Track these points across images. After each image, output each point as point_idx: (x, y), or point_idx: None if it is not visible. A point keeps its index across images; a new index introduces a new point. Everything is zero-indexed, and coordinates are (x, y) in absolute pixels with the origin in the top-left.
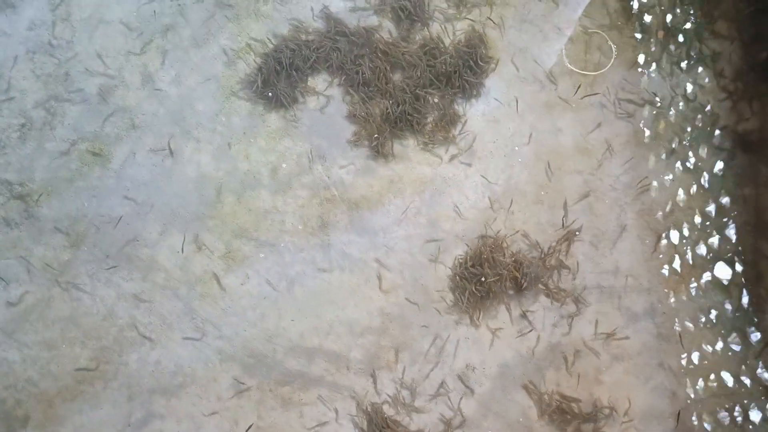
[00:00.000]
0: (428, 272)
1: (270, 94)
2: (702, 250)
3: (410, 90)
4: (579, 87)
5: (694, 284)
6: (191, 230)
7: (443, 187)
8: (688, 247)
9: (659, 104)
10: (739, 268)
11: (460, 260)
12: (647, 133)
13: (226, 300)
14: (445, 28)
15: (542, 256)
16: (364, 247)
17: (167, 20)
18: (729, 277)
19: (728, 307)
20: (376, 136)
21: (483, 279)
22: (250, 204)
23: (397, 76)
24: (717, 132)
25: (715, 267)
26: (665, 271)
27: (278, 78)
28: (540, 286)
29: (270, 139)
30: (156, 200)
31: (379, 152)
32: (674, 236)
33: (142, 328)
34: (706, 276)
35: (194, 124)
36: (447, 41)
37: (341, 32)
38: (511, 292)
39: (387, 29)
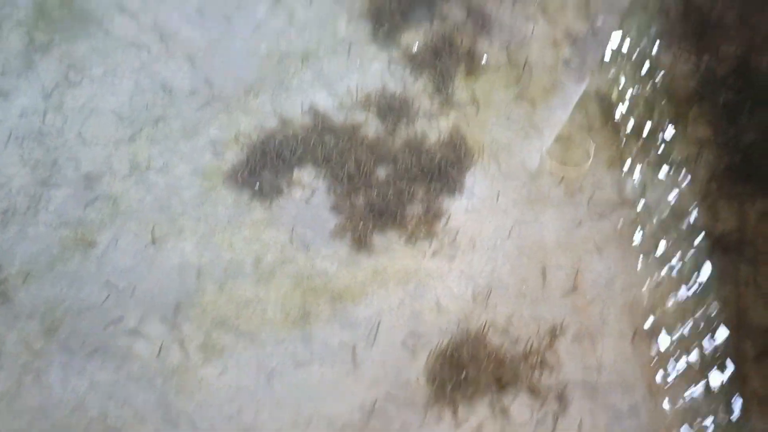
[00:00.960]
0: (410, 365)
1: (256, 184)
2: (687, 349)
3: (394, 184)
4: (562, 180)
5: (676, 379)
6: (171, 319)
7: (427, 280)
8: (672, 346)
9: (639, 205)
10: (724, 371)
11: (443, 354)
12: (627, 232)
13: (203, 392)
14: (430, 124)
15: (525, 351)
16: (346, 338)
17: (159, 111)
18: (715, 380)
19: (716, 410)
20: (358, 227)
21: (465, 374)
22: (231, 293)
23: (381, 171)
24: (695, 232)
25: (700, 368)
26: (649, 368)
27: (264, 169)
28: (522, 382)
29: (254, 228)
30: (136, 287)
31: (363, 244)
32: (656, 333)
33: (113, 420)
34: (689, 374)
35: (179, 212)
36: (432, 137)
37: (328, 127)
38: (493, 387)
39: (373, 125)
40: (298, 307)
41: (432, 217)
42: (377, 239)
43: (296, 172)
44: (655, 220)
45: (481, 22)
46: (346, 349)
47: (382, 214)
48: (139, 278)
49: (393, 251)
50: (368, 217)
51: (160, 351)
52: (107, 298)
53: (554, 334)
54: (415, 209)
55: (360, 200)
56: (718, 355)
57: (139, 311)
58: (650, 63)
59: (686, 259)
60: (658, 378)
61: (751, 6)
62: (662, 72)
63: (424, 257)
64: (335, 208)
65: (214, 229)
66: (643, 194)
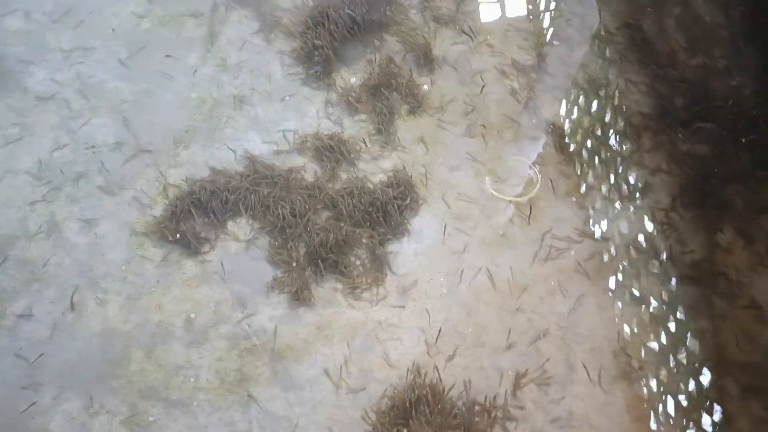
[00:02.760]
0: (360, 429)
1: (178, 236)
2: (666, 393)
3: (336, 231)
4: (513, 215)
5: (658, 429)
6: (91, 392)
7: (375, 333)
8: (649, 390)
9: (599, 238)
10: (710, 415)
11: (394, 414)
12: (589, 268)
13: None
14: (372, 166)
15: (486, 404)
16: (289, 402)
17: (80, 168)
18: (703, 423)
19: None
20: (298, 279)
21: None
22: (160, 359)
23: (321, 217)
24: (662, 265)
25: (683, 414)
26: (624, 415)
27: (195, 223)
28: None
29: (185, 287)
30: (53, 360)
31: (304, 298)
32: (631, 377)
33: None
34: (672, 419)
35: (102, 275)
36: (374, 180)
37: (263, 175)
38: None
39: (311, 170)
40: (234, 371)
41: (378, 263)
42: (319, 291)
43: (230, 224)
44: (618, 254)
45: (422, 59)
46: (289, 414)
47: (323, 264)
48: (56, 350)
49: (337, 304)
50: (308, 268)
51: (79, 430)
52: (19, 373)
53: (517, 384)
54: (359, 256)
55: (299, 250)
56: (701, 398)
57: (55, 386)
58: (603, 91)
59: (656, 295)
60: (636, 429)
61: (700, 32)
62: (616, 100)
63: (371, 308)
64: (272, 261)
65: (140, 290)
66: (603, 226)
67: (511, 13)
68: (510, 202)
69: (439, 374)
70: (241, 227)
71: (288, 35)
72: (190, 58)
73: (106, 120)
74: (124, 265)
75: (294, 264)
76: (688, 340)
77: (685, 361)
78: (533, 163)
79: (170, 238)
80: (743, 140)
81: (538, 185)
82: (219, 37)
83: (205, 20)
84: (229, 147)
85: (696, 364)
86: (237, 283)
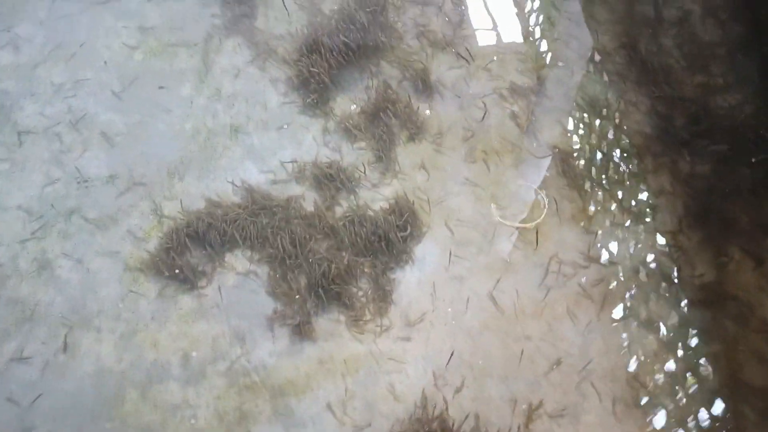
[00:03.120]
0: None
1: (177, 271)
2: (683, 421)
3: (337, 261)
4: (517, 238)
5: None
6: None
7: (380, 365)
8: (666, 419)
9: (607, 262)
10: None
11: None
12: (597, 293)
13: None
14: (373, 194)
15: None
16: None
17: (72, 203)
18: None
19: None
20: (299, 311)
21: None
22: (156, 399)
23: (322, 247)
24: (673, 288)
25: None
26: None
27: (191, 256)
28: None
29: (182, 322)
30: (45, 402)
31: (305, 331)
32: (645, 405)
33: None
34: None
35: (95, 312)
36: (375, 208)
37: (260, 205)
38: None
39: (310, 199)
40: (233, 409)
41: (381, 293)
42: (321, 324)
43: (228, 257)
44: (626, 278)
45: (420, 84)
46: None
47: (324, 296)
48: (47, 392)
49: (339, 336)
50: (309, 300)
51: None
52: (10, 417)
53: (529, 415)
54: (361, 287)
55: (300, 281)
56: (717, 424)
57: (48, 431)
58: (604, 113)
59: (667, 319)
60: None
61: (698, 50)
62: (617, 121)
63: (375, 339)
64: (272, 293)
65: (135, 327)
66: (610, 251)
67: (507, 37)
68: (517, 228)
69: (446, 406)
70: (239, 259)
71: (283, 63)
72: (183, 89)
73: (99, 153)
74: (118, 302)
75: (295, 296)
76: (701, 365)
77: (700, 387)
78: (538, 188)
79: (166, 273)
80: (753, 160)
81: (545, 210)
82: (213, 66)
83: (199, 50)
84: (225, 178)
85: (711, 390)
86: (235, 318)
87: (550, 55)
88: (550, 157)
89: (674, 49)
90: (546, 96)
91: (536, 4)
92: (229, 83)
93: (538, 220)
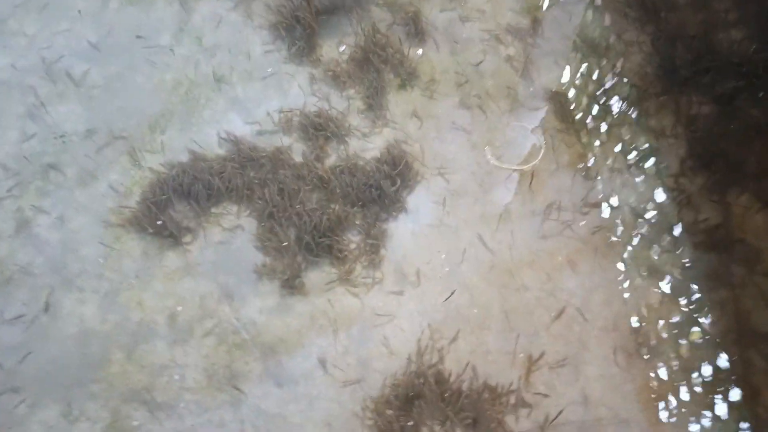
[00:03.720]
0: (361, 425)
1: (159, 223)
2: (687, 371)
3: (327, 212)
4: (517, 186)
5: (677, 410)
6: (70, 398)
7: (373, 320)
8: (669, 370)
9: (607, 209)
10: (733, 390)
11: (396, 406)
12: (598, 241)
13: None
14: (364, 143)
15: (495, 391)
16: (283, 399)
17: (50, 159)
18: (722, 407)
19: None
20: (289, 266)
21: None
22: (143, 360)
23: (312, 198)
24: (675, 233)
25: (705, 392)
26: (644, 399)
27: (175, 210)
28: (496, 427)
29: (167, 280)
30: (27, 366)
31: (296, 286)
32: (648, 356)
33: None
34: (690, 397)
35: (77, 272)
36: (367, 157)
37: (247, 157)
38: None
39: (298, 150)
40: (223, 368)
41: (373, 245)
42: (312, 278)
43: (214, 211)
44: (628, 225)
45: (411, 27)
46: (284, 412)
47: (315, 248)
48: (30, 354)
49: (331, 291)
50: (299, 254)
51: None
52: None
53: (528, 367)
54: (353, 239)
55: (289, 235)
56: (723, 376)
57: (32, 394)
58: (604, 54)
59: (671, 266)
60: (656, 410)
61: None
62: (617, 62)
63: (368, 294)
64: (261, 248)
65: (119, 287)
66: (611, 197)
67: None
68: (513, 171)
69: (442, 359)
70: (225, 214)
71: (266, 9)
72: (162, 38)
73: (76, 107)
74: (100, 260)
75: (284, 249)
76: (707, 312)
77: (705, 335)
78: (535, 130)
79: (149, 230)
80: (760, 95)
81: (542, 150)
82: (193, 14)
83: None
84: (209, 130)
85: (717, 338)
86: (223, 274)
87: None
88: (547, 102)
89: None
90: (543, 38)
91: None
92: (210, 32)
93: (535, 162)
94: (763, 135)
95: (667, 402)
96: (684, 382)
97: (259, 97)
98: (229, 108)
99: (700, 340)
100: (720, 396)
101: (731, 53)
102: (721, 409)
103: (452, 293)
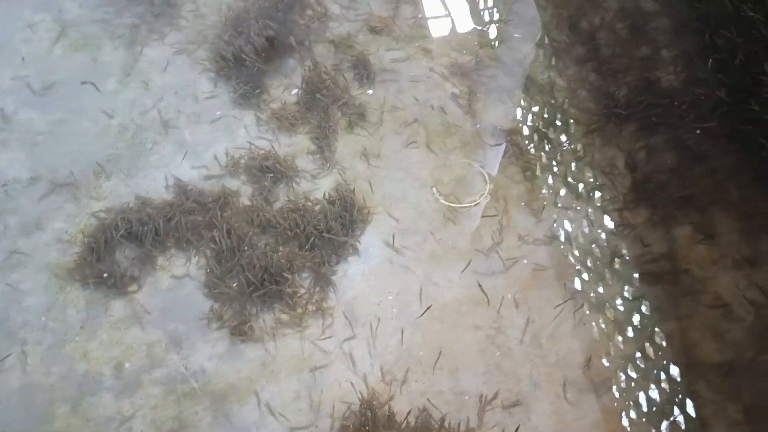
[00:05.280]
0: None
1: (106, 275)
2: (636, 401)
3: (276, 256)
4: (462, 220)
5: None
6: None
7: (324, 364)
8: (615, 402)
9: (556, 244)
10: (681, 419)
11: None
12: (547, 276)
13: None
14: (313, 185)
15: None
16: None
17: None
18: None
19: None
20: (239, 312)
21: None
22: (88, 413)
23: (260, 242)
24: (623, 265)
25: (650, 418)
26: (595, 429)
27: (121, 258)
28: None
29: (114, 330)
30: None
31: (245, 332)
32: (599, 389)
33: None
34: (644, 426)
35: (20, 324)
36: (315, 198)
37: (194, 201)
38: None
39: (246, 193)
40: (172, 419)
41: (324, 288)
42: (262, 323)
43: (161, 258)
44: (575, 258)
45: (359, 67)
46: None
47: (265, 293)
48: None
49: (281, 335)
50: (249, 298)
51: None
52: None
53: (481, 407)
54: (303, 281)
55: (239, 279)
56: (673, 404)
57: None
58: (548, 91)
59: (618, 298)
60: None
61: (642, 22)
62: (560, 98)
63: (319, 337)
64: (209, 294)
65: (63, 338)
66: (558, 231)
67: (448, 16)
68: (460, 208)
69: (394, 401)
70: (173, 260)
71: (213, 52)
72: (109, 83)
73: (19, 154)
74: (44, 312)
75: (233, 294)
76: (655, 343)
77: (654, 367)
78: (481, 167)
79: (95, 278)
80: (697, 131)
81: (488, 187)
82: (140, 59)
83: (124, 42)
84: (156, 175)
85: (665, 369)
86: (171, 322)
87: (493, 34)
88: (493, 138)
89: (617, 24)
90: (487, 75)
91: None
92: (157, 75)
93: (481, 199)
94: (702, 166)
95: None
96: (634, 415)
97: (207, 140)
98: (177, 152)
99: (648, 372)
100: (669, 428)
101: (669, 88)
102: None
103: (402, 334)
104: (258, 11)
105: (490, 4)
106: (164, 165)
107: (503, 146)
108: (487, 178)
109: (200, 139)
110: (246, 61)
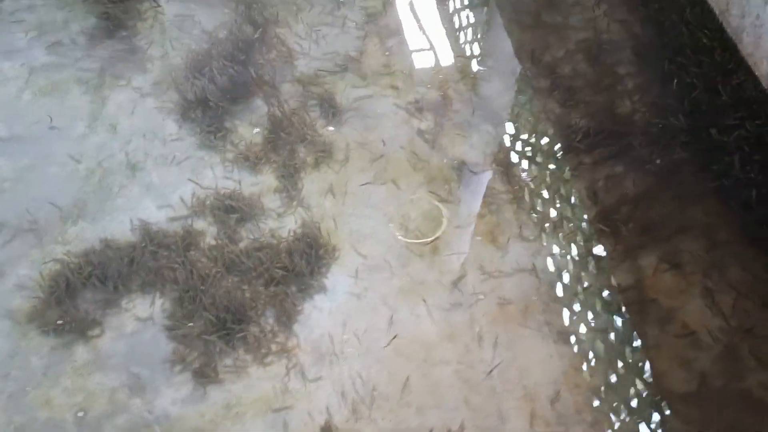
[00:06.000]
0: None
1: (68, 320)
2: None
3: (240, 296)
4: (430, 255)
5: None
6: None
7: (290, 403)
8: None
9: (521, 276)
10: None
11: None
12: (514, 309)
13: None
14: (278, 223)
15: None
16: None
17: None
18: None
19: None
20: (204, 354)
21: None
22: None
23: (225, 283)
24: (591, 298)
25: None
26: None
27: (84, 302)
28: None
29: (77, 376)
30: None
31: (209, 374)
32: (566, 421)
33: None
34: None
35: None
36: (281, 237)
37: (159, 243)
38: None
39: (211, 233)
40: None
41: (289, 327)
42: (226, 365)
43: (125, 301)
44: (542, 291)
45: (325, 105)
46: None
47: (228, 334)
48: None
49: (246, 377)
50: (213, 339)
51: None
52: None
53: None
54: (268, 322)
55: (201, 321)
56: None
57: None
58: (516, 123)
59: (587, 331)
60: None
61: (605, 52)
62: (528, 131)
63: (285, 377)
64: (173, 336)
65: (25, 386)
66: (523, 265)
67: (413, 53)
68: (419, 244)
69: None
70: (136, 303)
71: (179, 95)
72: (77, 128)
73: None
74: (6, 360)
75: (197, 336)
76: (621, 375)
77: (621, 398)
78: (442, 203)
79: (57, 323)
80: (658, 161)
81: (445, 221)
82: (107, 102)
83: (92, 86)
84: (122, 218)
85: (635, 400)
86: (135, 366)
87: (460, 68)
88: (458, 172)
89: (580, 55)
90: (454, 110)
91: (448, 18)
92: (125, 119)
93: (437, 234)
94: (666, 194)
95: None
96: None
97: (174, 182)
98: (144, 194)
99: (615, 405)
100: None
101: (630, 118)
102: None
103: (369, 371)
104: (220, 52)
105: (457, 40)
106: (131, 208)
107: (470, 180)
108: (445, 213)
109: (167, 180)
110: (210, 102)
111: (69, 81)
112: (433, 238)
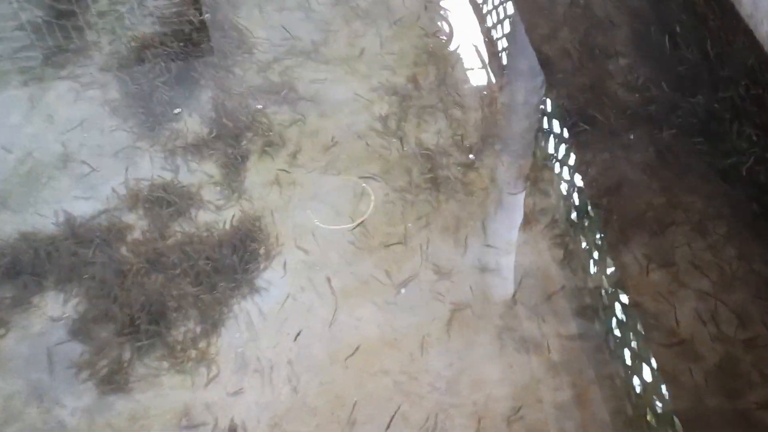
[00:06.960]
0: None
1: None
2: None
3: (163, 296)
4: (377, 253)
5: None
6: None
7: (205, 416)
8: None
9: (480, 274)
10: None
11: None
12: (469, 314)
13: None
14: (216, 217)
15: None
16: None
17: None
18: None
19: None
20: (113, 360)
21: None
22: None
23: (147, 281)
24: (563, 300)
25: None
26: None
27: None
28: None
29: None
30: None
31: (117, 381)
32: None
33: None
34: None
35: None
36: (217, 231)
37: (81, 237)
38: None
39: (140, 227)
40: None
41: (213, 330)
42: (138, 371)
43: (36, 299)
44: (500, 295)
45: (277, 92)
46: None
47: (143, 338)
48: None
49: (159, 385)
50: (126, 343)
51: None
52: None
53: None
54: (189, 324)
55: (115, 323)
56: None
57: None
58: (484, 107)
59: (556, 336)
60: None
61: (596, 29)
62: (498, 115)
63: (203, 387)
64: (82, 339)
65: None
66: (483, 260)
67: (377, 35)
68: (341, 228)
69: None
70: (48, 301)
71: (124, 84)
72: (11, 118)
73: None
74: None
75: (108, 341)
76: (597, 389)
77: (592, 417)
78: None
79: None
80: (631, 136)
81: (372, 204)
82: (48, 92)
83: (32, 76)
84: (46, 211)
85: (605, 422)
86: (36, 371)
87: (427, 51)
88: (419, 160)
89: (569, 33)
90: (419, 96)
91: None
92: (64, 109)
93: (362, 219)
94: (658, 181)
95: None
96: None
97: (109, 173)
98: (73, 186)
99: (589, 422)
100: None
101: (620, 99)
102: None
103: (298, 381)
104: (165, 39)
105: (426, 20)
106: (57, 200)
107: (426, 168)
108: (371, 195)
109: (101, 172)
110: (153, 91)
111: (10, 71)
112: (356, 223)
